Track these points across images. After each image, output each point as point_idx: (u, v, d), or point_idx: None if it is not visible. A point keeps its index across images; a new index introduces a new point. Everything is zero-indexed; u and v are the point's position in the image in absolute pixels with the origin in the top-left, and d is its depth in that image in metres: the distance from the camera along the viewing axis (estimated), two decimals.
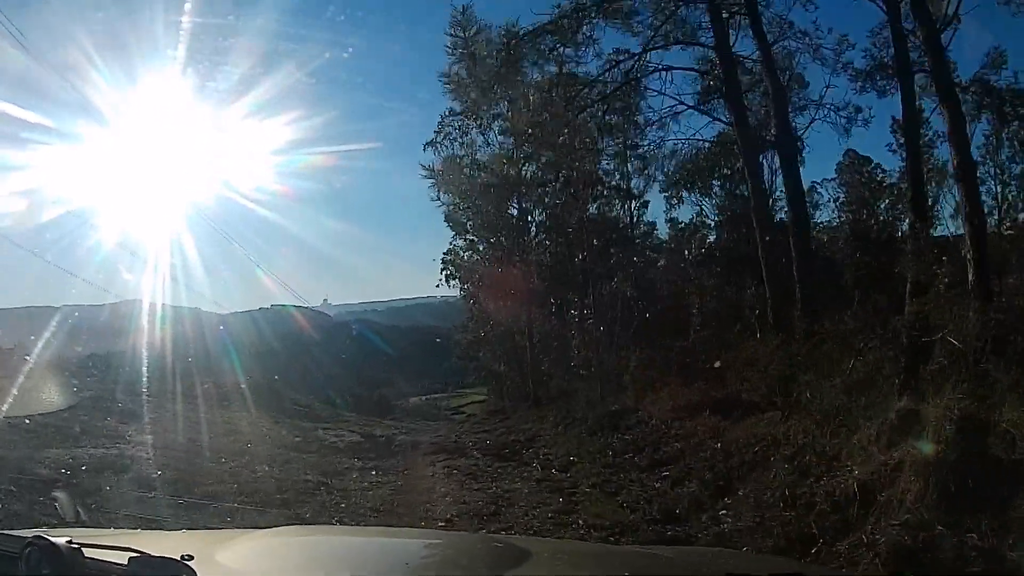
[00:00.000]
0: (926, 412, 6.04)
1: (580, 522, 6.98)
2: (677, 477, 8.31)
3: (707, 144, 14.43)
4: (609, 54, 13.14)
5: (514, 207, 23.17)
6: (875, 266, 19.88)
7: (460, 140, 23.26)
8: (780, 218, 15.37)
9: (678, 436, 10.02)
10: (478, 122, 22.71)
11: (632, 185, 22.41)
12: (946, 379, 6.61)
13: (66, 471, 8.17)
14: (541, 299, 22.40)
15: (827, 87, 13.66)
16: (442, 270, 24.98)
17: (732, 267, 17.00)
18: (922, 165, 13.16)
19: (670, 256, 24.13)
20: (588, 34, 12.72)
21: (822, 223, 23.09)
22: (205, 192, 19.70)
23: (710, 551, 4.40)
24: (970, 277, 9.08)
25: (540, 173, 22.61)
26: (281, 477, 9.45)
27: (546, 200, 22.84)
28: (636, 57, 12.49)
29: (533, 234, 23.20)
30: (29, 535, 1.53)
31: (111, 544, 1.55)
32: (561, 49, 13.29)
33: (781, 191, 17.55)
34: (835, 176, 23.46)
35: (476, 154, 23.00)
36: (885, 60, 14.94)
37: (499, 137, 22.99)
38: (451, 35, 16.17)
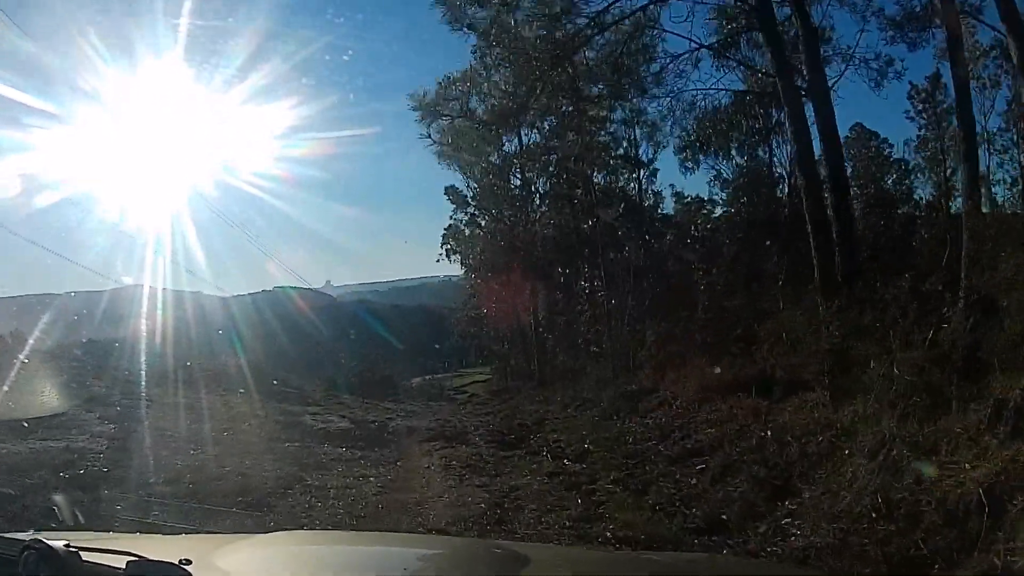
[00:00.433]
0: None
1: (607, 534, 5.43)
2: (717, 472, 6.75)
3: (731, 95, 12.71)
4: None
5: (516, 177, 21.55)
6: (898, 237, 18.33)
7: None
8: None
9: (710, 421, 8.46)
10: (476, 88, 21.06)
11: (640, 153, 20.74)
12: None
13: None
14: (546, 272, 20.80)
15: (861, 31, 11.83)
16: (442, 244, 23.43)
17: (751, 234, 15.33)
18: (975, 124, 11.40)
19: (678, 230, 22.48)
20: None
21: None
22: (206, 176, 19.34)
23: (710, 557, 4.08)
24: None
25: (544, 140, 20.97)
26: (251, 472, 7.92)
27: (550, 169, 21.17)
28: None
29: (537, 204, 21.52)
30: (27, 538, 1.50)
31: (109, 548, 1.50)
32: None
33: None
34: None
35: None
36: (916, 9, 13.21)
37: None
38: None
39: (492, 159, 21.69)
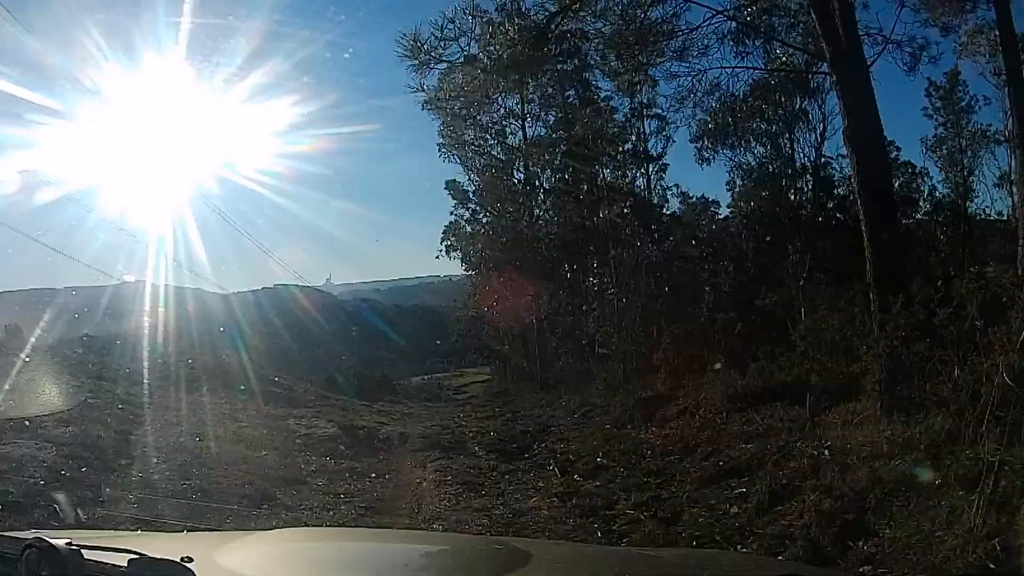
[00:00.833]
0: None
1: None
2: (763, 499, 5.51)
3: (758, 74, 11.39)
4: None
5: (520, 171, 20.34)
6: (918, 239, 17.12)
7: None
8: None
9: (744, 434, 7.22)
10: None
11: (649, 147, 19.52)
12: None
13: None
14: (549, 270, 19.58)
15: (900, 6, 10.56)
16: (442, 240, 22.21)
17: (772, 229, 14.11)
18: None
19: (687, 228, 21.27)
20: None
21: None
22: (207, 173, 19.30)
23: (709, 553, 3.90)
24: None
25: (550, 133, 19.79)
26: (213, 488, 6.71)
27: (556, 163, 19.95)
28: None
29: (541, 199, 20.31)
30: (28, 536, 1.47)
31: (111, 546, 1.49)
32: None
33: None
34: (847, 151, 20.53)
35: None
36: None
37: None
38: None
39: (495, 152, 20.52)
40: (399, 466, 8.54)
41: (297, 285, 30.91)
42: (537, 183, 20.29)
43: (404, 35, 9.26)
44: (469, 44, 9.16)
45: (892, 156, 20.86)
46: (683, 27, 9.66)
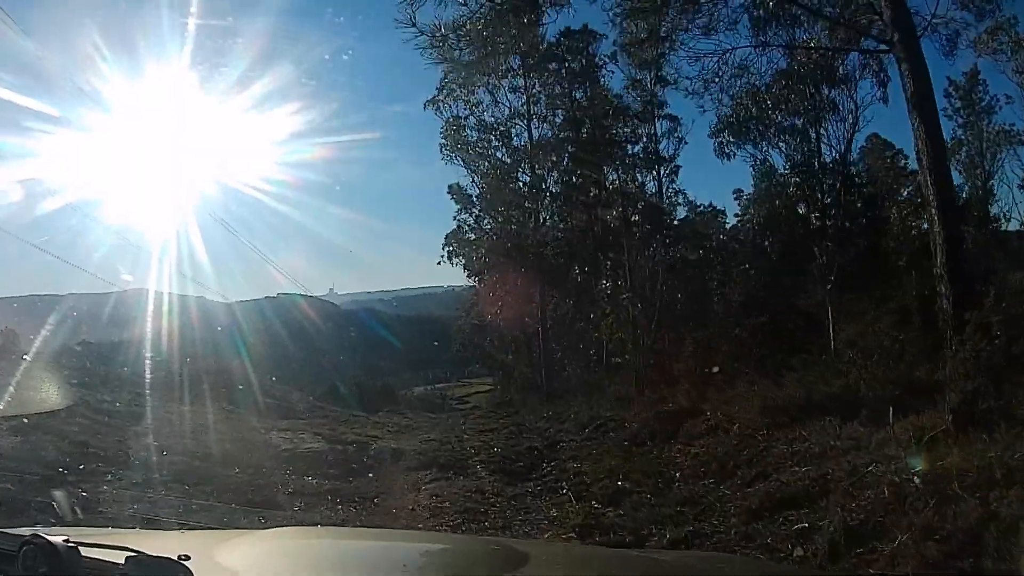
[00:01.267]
0: None
1: None
2: (835, 538, 4.32)
3: (784, 62, 10.26)
4: None
5: (525, 174, 19.22)
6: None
7: (465, 99, 19.44)
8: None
9: (796, 455, 6.03)
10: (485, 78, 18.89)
11: (661, 149, 18.45)
12: None
13: None
14: (556, 276, 18.44)
15: None
16: (444, 246, 21.08)
17: (792, 233, 12.94)
18: None
19: (695, 237, 20.13)
20: None
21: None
22: (209, 181, 19.36)
23: (709, 556, 3.68)
24: None
25: (557, 134, 18.69)
26: (162, 514, 5.51)
27: (563, 166, 18.86)
28: None
29: (547, 203, 19.17)
30: (26, 533, 1.44)
31: (108, 543, 1.43)
32: None
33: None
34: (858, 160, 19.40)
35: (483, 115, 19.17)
36: None
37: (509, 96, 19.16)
38: None
39: (500, 155, 19.46)
40: (390, 487, 7.34)
41: (300, 294, 30.01)
42: (543, 186, 19.17)
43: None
44: None
45: (901, 164, 19.92)
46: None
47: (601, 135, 17.74)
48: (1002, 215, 19.53)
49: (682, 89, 12.18)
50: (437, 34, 6.88)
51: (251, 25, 14.85)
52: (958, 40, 11.14)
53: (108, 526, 4.67)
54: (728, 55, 9.04)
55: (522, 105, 19.05)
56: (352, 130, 20.66)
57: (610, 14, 10.70)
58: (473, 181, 19.75)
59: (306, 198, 22.77)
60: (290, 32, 17.14)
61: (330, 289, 44.89)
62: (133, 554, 1.32)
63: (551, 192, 19.30)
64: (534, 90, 19.01)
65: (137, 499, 6.10)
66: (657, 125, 18.10)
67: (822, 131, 11.83)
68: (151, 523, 4.83)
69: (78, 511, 3.82)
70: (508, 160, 19.52)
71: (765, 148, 12.40)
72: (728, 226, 21.96)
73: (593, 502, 6.29)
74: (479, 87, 18.97)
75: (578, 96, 18.64)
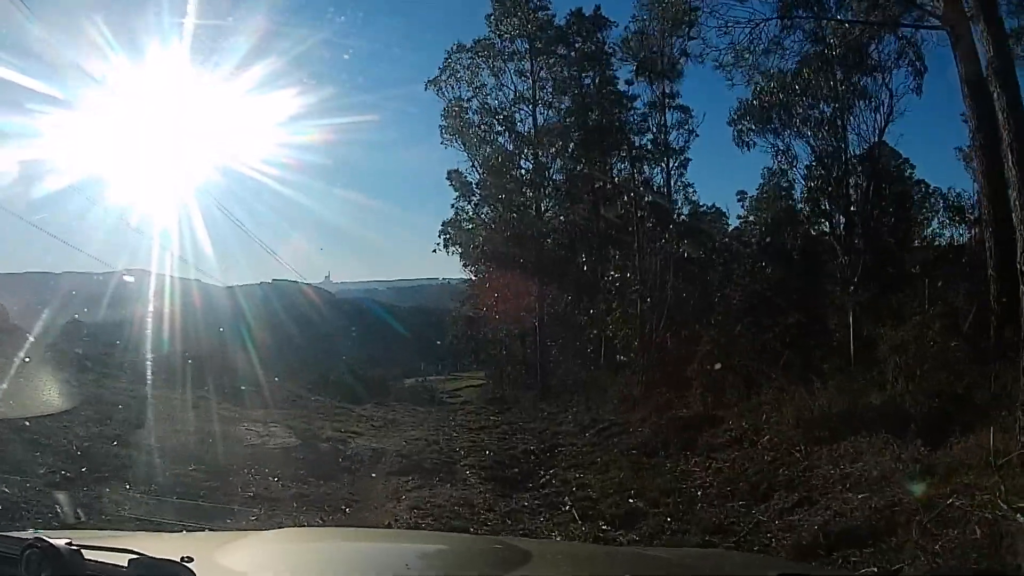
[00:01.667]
0: None
1: None
2: None
3: (810, 47, 9.21)
4: None
5: (528, 161, 18.19)
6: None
7: (469, 81, 18.40)
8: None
9: (845, 477, 5.02)
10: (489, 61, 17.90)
11: (671, 140, 17.44)
12: None
13: None
14: (556, 268, 17.43)
15: None
16: (440, 233, 20.01)
17: (810, 231, 11.95)
18: None
19: (703, 233, 19.15)
20: None
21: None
22: (208, 164, 18.80)
23: (709, 552, 3.63)
24: None
25: (563, 120, 17.66)
26: (93, 519, 4.45)
27: (567, 154, 17.82)
28: None
29: (550, 191, 18.14)
30: (29, 536, 1.41)
31: (111, 546, 1.42)
32: None
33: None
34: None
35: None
36: None
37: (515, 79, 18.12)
38: None
39: (502, 140, 18.42)
40: (365, 495, 6.30)
41: (295, 281, 29.31)
42: (546, 174, 18.11)
43: None
44: None
45: (907, 174, 18.92)
46: None
47: (609, 123, 16.71)
48: None
49: (711, 61, 11.13)
50: None
51: (253, 12, 14.50)
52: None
53: (111, 528, 4.15)
54: (761, 27, 8.01)
55: (527, 89, 18.06)
56: (351, 112, 19.71)
57: None
58: (473, 166, 18.72)
59: (305, 185, 22.05)
60: (292, 15, 16.98)
61: (326, 276, 44.05)
62: (136, 556, 1.31)
63: (554, 181, 18.28)
64: (541, 74, 18.02)
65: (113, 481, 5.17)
66: (668, 116, 17.15)
67: (850, 120, 10.85)
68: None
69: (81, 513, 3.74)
70: (511, 146, 18.51)
71: (788, 138, 11.42)
72: (730, 228, 21.20)
73: (601, 522, 5.28)
74: (483, 69, 18.00)
75: (586, 82, 17.65)
